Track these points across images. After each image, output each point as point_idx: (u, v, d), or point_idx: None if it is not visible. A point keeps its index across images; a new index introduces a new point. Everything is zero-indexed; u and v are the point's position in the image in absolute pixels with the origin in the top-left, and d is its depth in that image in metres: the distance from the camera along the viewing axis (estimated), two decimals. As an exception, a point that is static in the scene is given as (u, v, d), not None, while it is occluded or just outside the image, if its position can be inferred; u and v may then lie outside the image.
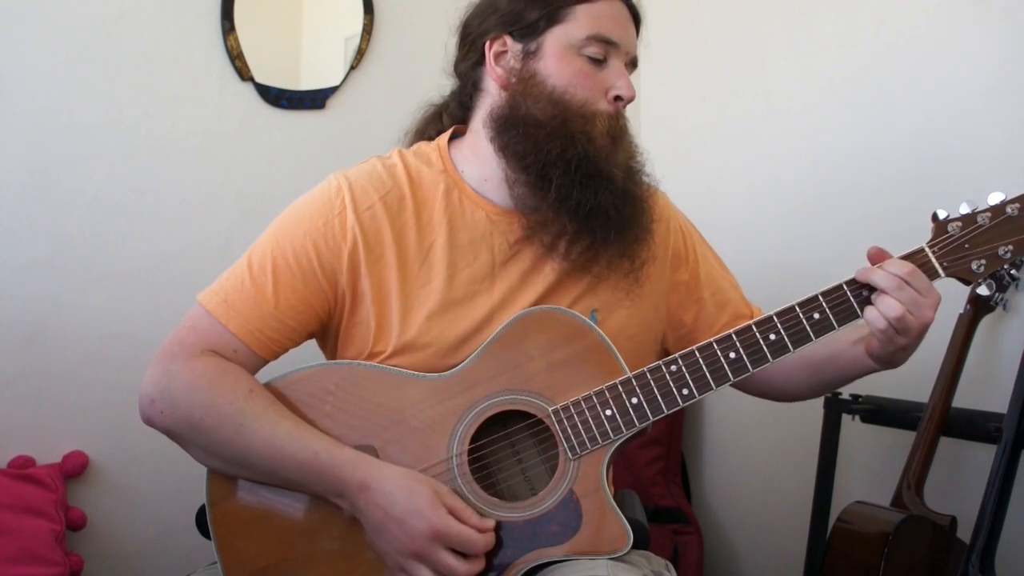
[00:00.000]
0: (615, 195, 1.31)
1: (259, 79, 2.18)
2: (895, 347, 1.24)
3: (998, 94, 1.84)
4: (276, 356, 1.36)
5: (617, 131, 1.34)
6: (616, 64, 1.34)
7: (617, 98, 1.34)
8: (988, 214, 1.25)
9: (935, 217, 1.27)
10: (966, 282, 1.28)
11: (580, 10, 1.33)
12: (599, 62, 1.34)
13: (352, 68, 2.29)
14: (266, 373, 1.35)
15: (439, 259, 1.35)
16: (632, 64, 1.38)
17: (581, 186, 1.29)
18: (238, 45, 2.14)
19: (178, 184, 2.11)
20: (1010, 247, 1.25)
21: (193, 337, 1.31)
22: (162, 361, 1.30)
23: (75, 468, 1.99)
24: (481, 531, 1.20)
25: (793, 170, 2.26)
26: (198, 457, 1.30)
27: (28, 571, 1.80)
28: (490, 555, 1.22)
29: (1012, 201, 1.25)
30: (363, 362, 1.33)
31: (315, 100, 2.25)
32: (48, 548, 1.85)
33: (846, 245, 2.02)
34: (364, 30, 2.29)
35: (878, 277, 1.23)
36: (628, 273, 1.36)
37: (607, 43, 1.33)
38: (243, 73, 2.16)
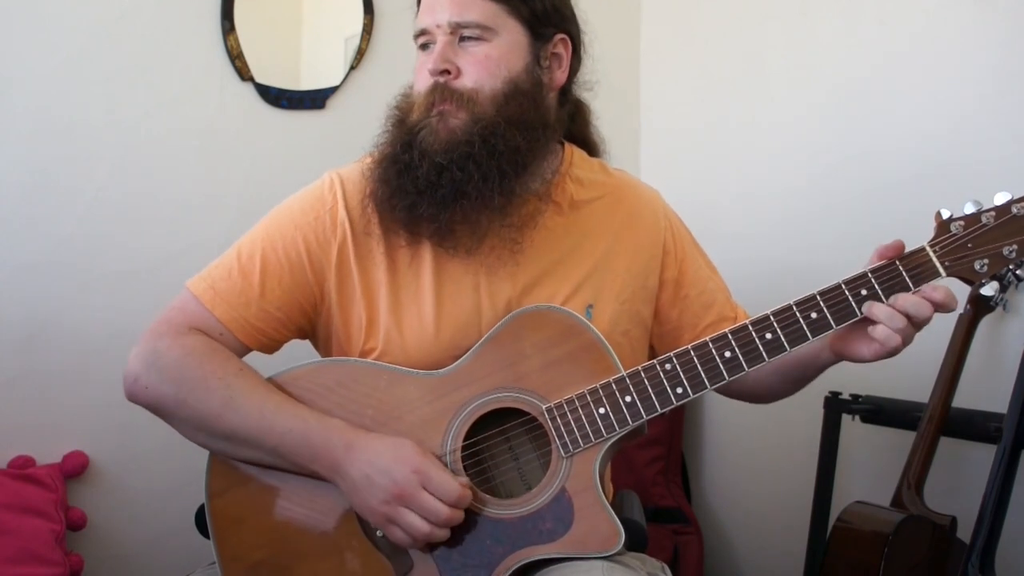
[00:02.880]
0: (443, 168, 1.28)
1: (259, 79, 2.18)
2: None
3: (999, 94, 1.84)
4: (262, 346, 1.38)
5: (435, 101, 1.31)
6: (438, 42, 1.32)
7: (441, 72, 1.31)
8: (992, 213, 1.24)
9: (938, 216, 1.26)
10: (969, 282, 1.26)
11: (419, 10, 1.36)
12: (427, 49, 1.34)
13: (352, 68, 2.29)
14: (265, 371, 1.35)
15: (428, 256, 1.35)
16: (455, 29, 1.31)
17: (409, 177, 1.30)
18: (238, 45, 2.14)
19: (178, 184, 2.11)
20: (1014, 247, 1.23)
21: (181, 318, 1.34)
22: (149, 339, 1.32)
23: (75, 468, 1.99)
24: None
25: (793, 172, 2.26)
26: (182, 431, 1.32)
27: (28, 571, 1.80)
28: (483, 551, 1.23)
29: (1018, 200, 1.23)
30: (360, 359, 1.34)
31: (315, 100, 2.25)
32: (48, 548, 1.85)
33: (846, 247, 2.02)
34: (364, 30, 2.29)
35: (879, 313, 1.22)
36: (511, 237, 1.33)
37: (422, 33, 1.35)
38: (243, 73, 2.16)
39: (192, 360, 1.29)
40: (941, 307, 1.23)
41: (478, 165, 1.28)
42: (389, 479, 1.20)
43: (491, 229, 1.32)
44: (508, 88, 1.31)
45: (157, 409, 1.32)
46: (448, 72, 1.31)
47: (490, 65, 1.31)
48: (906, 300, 1.22)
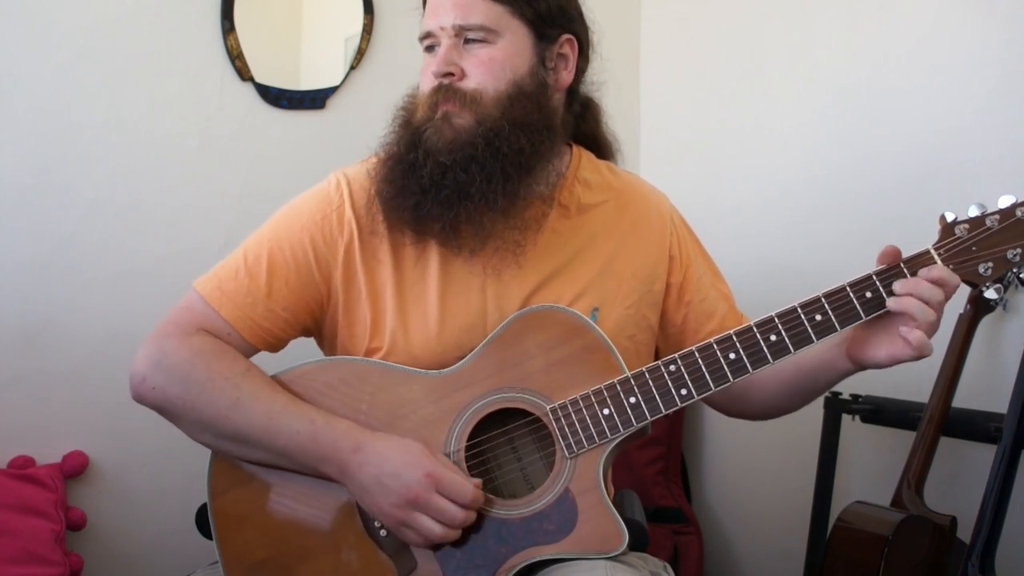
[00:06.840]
0: (446, 168, 1.28)
1: (259, 79, 2.17)
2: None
3: (1000, 95, 1.84)
4: (268, 346, 1.38)
5: (439, 102, 1.31)
6: (442, 45, 1.33)
7: (445, 75, 1.32)
8: (997, 217, 1.24)
9: (943, 219, 1.27)
10: (973, 285, 1.27)
11: (424, 13, 1.37)
12: (432, 51, 1.35)
13: (352, 68, 2.28)
14: (269, 369, 1.35)
15: (434, 256, 1.36)
16: (459, 32, 1.31)
17: (413, 177, 1.30)
18: (238, 45, 2.14)
19: (178, 184, 2.10)
20: (1018, 250, 1.24)
21: (188, 318, 1.34)
22: (156, 340, 1.32)
23: (75, 468, 1.98)
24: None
25: (794, 172, 2.26)
26: (188, 431, 1.32)
27: (28, 571, 1.80)
28: (487, 551, 1.23)
29: (1022, 204, 1.24)
30: (364, 358, 1.35)
31: (315, 100, 2.25)
32: (48, 548, 1.85)
33: (848, 249, 2.02)
34: (364, 30, 2.29)
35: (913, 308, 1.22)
36: (514, 239, 1.33)
37: (427, 36, 1.35)
38: (243, 73, 2.16)
39: (200, 361, 1.29)
40: (939, 282, 1.22)
41: (481, 167, 1.28)
42: (401, 483, 1.21)
43: (495, 231, 1.32)
44: (512, 90, 1.31)
45: (164, 410, 1.32)
46: (452, 74, 1.31)
47: (494, 67, 1.31)
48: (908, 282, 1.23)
